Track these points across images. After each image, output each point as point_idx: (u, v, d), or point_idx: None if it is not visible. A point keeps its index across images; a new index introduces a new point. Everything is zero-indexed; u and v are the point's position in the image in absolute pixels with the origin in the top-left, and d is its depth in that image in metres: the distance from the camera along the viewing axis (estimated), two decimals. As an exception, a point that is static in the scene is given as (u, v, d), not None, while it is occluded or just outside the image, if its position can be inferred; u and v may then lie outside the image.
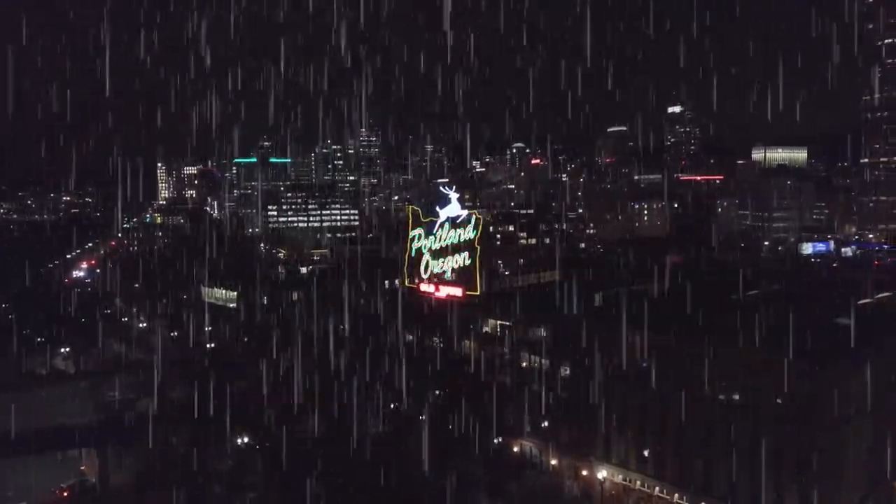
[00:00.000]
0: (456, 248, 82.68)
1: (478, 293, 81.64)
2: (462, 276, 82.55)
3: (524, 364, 74.41)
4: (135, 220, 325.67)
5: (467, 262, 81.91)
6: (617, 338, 64.56)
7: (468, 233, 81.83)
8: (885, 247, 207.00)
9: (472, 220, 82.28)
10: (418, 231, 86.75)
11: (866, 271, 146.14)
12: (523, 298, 78.72)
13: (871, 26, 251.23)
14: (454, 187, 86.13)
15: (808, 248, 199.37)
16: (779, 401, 54.56)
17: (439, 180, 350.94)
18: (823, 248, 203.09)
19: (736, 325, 57.78)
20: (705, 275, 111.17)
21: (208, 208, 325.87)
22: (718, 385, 58.99)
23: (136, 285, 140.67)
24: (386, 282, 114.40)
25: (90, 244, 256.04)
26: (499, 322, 78.74)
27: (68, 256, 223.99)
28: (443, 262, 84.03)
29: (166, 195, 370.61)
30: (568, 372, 71.60)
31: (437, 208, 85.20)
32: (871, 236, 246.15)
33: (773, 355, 53.33)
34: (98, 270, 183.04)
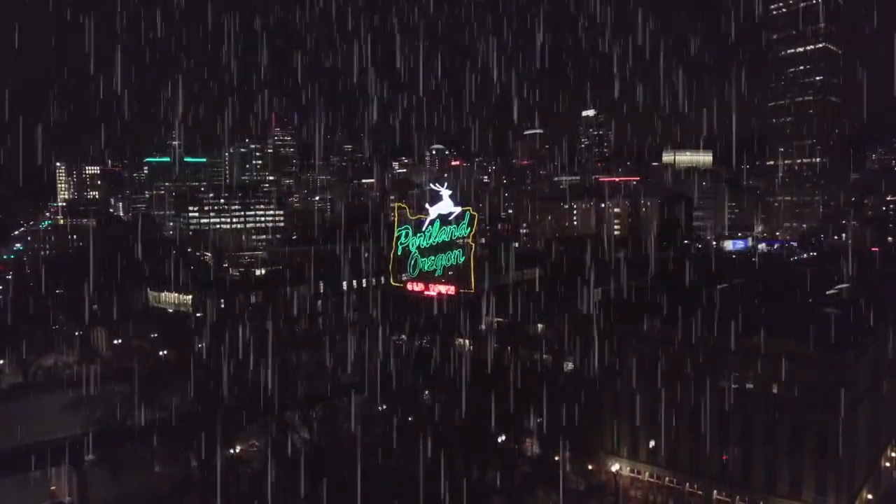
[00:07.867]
0: (448, 246, 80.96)
1: (472, 290, 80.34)
2: (455, 274, 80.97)
3: (526, 359, 73.73)
4: (31, 222, 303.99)
5: (461, 259, 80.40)
6: (619, 331, 65.37)
7: (461, 229, 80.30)
8: (794, 244, 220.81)
9: (467, 216, 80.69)
10: (405, 229, 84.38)
11: (796, 266, 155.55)
12: (514, 295, 78.09)
13: (775, 37, 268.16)
14: (446, 184, 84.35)
15: (729, 245, 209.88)
16: (789, 387, 56.12)
17: (363, 180, 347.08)
18: (742, 245, 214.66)
19: (729, 315, 58.97)
20: (664, 270, 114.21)
21: (114, 210, 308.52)
22: (725, 373, 60.27)
23: (60, 291, 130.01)
24: (345, 282, 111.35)
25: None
26: (495, 319, 77.85)
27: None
28: (434, 260, 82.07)
29: (66, 196, 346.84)
30: (571, 367, 71.75)
31: (427, 205, 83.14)
32: (777, 234, 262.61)
33: (781, 343, 54.50)
34: (9, 276, 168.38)
